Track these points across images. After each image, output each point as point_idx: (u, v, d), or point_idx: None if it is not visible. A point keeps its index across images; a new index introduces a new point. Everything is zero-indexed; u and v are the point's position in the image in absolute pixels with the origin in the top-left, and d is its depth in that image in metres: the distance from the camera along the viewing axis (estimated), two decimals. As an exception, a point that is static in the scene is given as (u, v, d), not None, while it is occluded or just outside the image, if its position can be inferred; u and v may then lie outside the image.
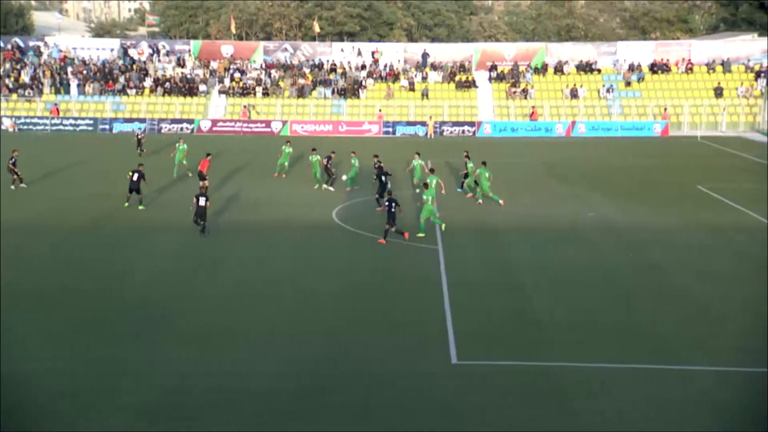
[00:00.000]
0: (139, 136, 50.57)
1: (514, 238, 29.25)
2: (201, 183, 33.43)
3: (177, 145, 43.15)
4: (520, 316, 20.79)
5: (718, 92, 67.09)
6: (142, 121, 65.01)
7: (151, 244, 27.85)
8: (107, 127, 64.79)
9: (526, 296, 22.46)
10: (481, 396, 16.07)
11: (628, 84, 69.27)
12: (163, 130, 64.63)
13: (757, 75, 68.51)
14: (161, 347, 18.38)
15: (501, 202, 34.11)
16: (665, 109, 66.05)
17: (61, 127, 64.64)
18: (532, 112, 65.84)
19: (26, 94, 68.03)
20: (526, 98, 68.30)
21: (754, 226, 31.09)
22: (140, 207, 32.99)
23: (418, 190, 36.38)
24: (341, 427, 14.79)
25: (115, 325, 19.81)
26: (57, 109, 66.18)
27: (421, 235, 28.65)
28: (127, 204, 33.00)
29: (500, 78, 70.66)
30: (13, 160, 37.58)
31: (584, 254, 27.09)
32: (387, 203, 28.01)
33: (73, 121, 64.98)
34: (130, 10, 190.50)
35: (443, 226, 29.45)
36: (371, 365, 17.55)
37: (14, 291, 22.21)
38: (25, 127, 64.44)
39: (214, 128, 64.85)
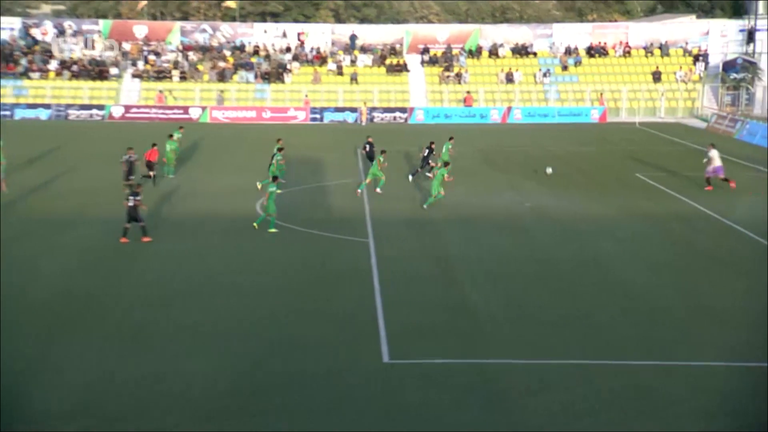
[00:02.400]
0: None
1: (448, 229, 29.44)
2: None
3: None
4: (455, 312, 20.93)
5: (656, 76, 68.54)
6: (47, 107, 63.40)
7: (60, 238, 27.16)
8: (9, 113, 62.91)
9: (461, 290, 22.62)
10: (415, 396, 16.10)
11: (564, 68, 70.28)
12: (70, 117, 63.11)
13: (696, 59, 70.17)
14: (80, 346, 18.09)
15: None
16: (601, 94, 67.21)
17: (-45, 113, 62.49)
18: (466, 98, 66.28)
19: None
20: (460, 83, 68.73)
21: (694, 215, 31.91)
22: None
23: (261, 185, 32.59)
24: (271, 428, 14.75)
25: (25, 324, 19.38)
26: (-52, 94, 63.90)
27: (272, 230, 28.26)
28: None
29: (433, 61, 70.95)
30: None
31: (521, 246, 27.42)
32: (130, 196, 26.79)
33: (-31, 107, 62.89)
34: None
35: (271, 229, 28.47)
36: (301, 363, 17.50)
37: None
38: None
39: (127, 114, 63.54)
